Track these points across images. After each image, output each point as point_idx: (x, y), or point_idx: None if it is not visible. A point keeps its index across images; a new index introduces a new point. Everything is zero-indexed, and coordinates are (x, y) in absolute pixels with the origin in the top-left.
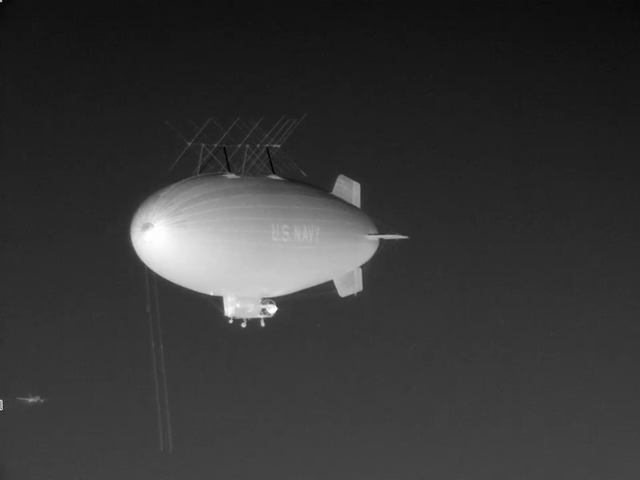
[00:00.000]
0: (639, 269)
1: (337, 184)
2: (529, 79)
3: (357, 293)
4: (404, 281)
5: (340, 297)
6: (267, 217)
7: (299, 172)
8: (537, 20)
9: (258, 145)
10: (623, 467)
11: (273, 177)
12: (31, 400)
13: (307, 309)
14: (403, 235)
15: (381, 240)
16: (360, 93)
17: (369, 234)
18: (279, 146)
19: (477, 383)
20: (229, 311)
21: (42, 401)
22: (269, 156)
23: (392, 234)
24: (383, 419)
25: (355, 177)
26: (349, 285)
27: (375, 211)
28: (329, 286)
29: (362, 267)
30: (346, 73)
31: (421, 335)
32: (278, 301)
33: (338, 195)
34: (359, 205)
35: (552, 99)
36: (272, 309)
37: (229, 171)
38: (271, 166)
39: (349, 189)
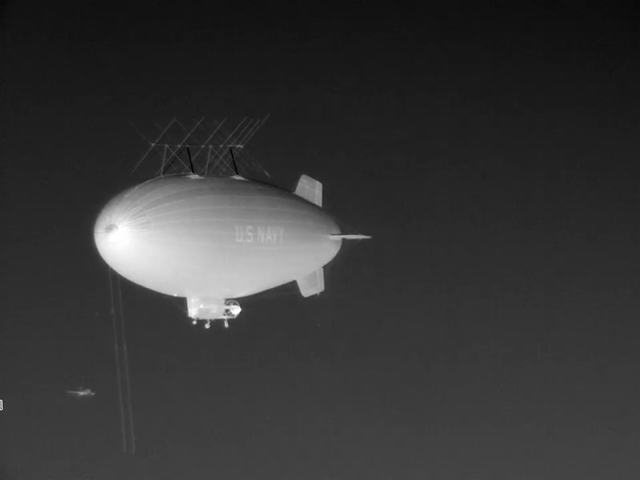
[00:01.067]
0: (630, 269)
1: (299, 184)
2: (495, 75)
3: (320, 293)
4: (366, 280)
5: (303, 297)
6: (231, 218)
7: (262, 172)
8: (531, 20)
9: (221, 146)
10: (623, 467)
11: (237, 177)
12: (81, 393)
13: (270, 309)
14: (365, 234)
15: (344, 240)
16: (322, 93)
17: (332, 234)
18: (242, 146)
19: (437, 383)
20: (193, 312)
21: (92, 394)
22: (232, 156)
23: (354, 234)
24: (346, 418)
25: (317, 177)
26: (312, 285)
27: (337, 211)
28: (291, 286)
29: (324, 267)
30: (308, 74)
31: (383, 335)
32: (241, 301)
33: (300, 195)
34: (320, 205)
35: (519, 92)
36: (235, 310)
37: (193, 171)
38: (235, 166)
39: (311, 189)
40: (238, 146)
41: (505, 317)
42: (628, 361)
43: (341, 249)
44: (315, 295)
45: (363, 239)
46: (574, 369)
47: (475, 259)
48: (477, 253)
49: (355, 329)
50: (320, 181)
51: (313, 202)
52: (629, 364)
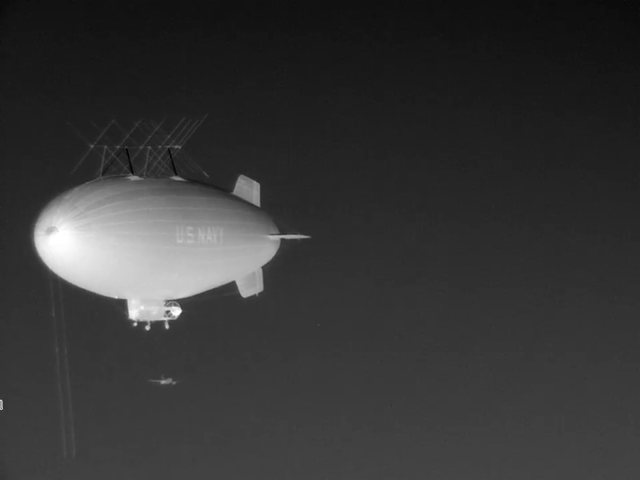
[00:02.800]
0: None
1: (237, 184)
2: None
3: (259, 294)
4: (305, 280)
5: (242, 297)
6: (172, 219)
7: (200, 172)
8: (531, 21)
9: (160, 147)
10: (623, 467)
11: (176, 178)
12: (163, 382)
13: (210, 310)
14: (304, 234)
15: (282, 240)
16: (260, 93)
17: (271, 234)
18: (180, 147)
19: (374, 381)
20: (133, 313)
21: (174, 382)
22: (171, 157)
23: (293, 234)
24: (286, 418)
25: (254, 177)
26: (251, 285)
27: (275, 211)
28: (231, 287)
29: (263, 267)
30: (245, 73)
31: (322, 334)
32: (181, 302)
33: (239, 195)
34: (259, 205)
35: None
36: (176, 311)
37: (132, 172)
38: (173, 167)
39: (249, 189)
40: (176, 147)
41: (443, 316)
42: (629, 361)
43: (279, 249)
44: (254, 296)
45: (302, 239)
46: (562, 368)
47: (415, 257)
48: (417, 251)
49: (294, 329)
50: (257, 181)
51: (251, 202)
52: (630, 364)
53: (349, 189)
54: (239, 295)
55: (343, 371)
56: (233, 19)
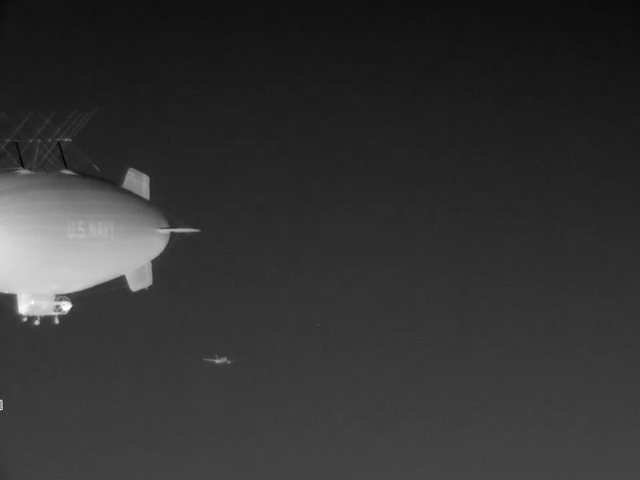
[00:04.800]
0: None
1: (127, 177)
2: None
3: (148, 287)
4: (195, 273)
5: (131, 291)
6: (63, 213)
7: (90, 165)
8: (532, 21)
9: (50, 140)
10: (623, 467)
11: (66, 171)
12: (217, 361)
13: (99, 304)
14: (193, 228)
15: (172, 233)
16: (148, 87)
17: (161, 228)
18: (70, 140)
19: (279, 380)
20: (23, 308)
21: (229, 362)
22: (61, 150)
23: (183, 227)
24: (175, 408)
25: (144, 170)
26: (140, 279)
27: (164, 204)
28: (120, 281)
29: (153, 260)
30: (135, 67)
31: (211, 328)
32: (71, 297)
33: (128, 188)
34: (148, 198)
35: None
36: (66, 306)
37: (23, 166)
38: (63, 160)
39: (139, 182)
40: (66, 139)
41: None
42: (626, 361)
43: (169, 242)
44: (144, 289)
45: (192, 232)
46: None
47: (324, 246)
48: (326, 239)
49: (183, 323)
50: (147, 174)
51: (141, 195)
52: (627, 363)
53: (238, 183)
54: (129, 289)
55: (234, 366)
56: (121, 10)
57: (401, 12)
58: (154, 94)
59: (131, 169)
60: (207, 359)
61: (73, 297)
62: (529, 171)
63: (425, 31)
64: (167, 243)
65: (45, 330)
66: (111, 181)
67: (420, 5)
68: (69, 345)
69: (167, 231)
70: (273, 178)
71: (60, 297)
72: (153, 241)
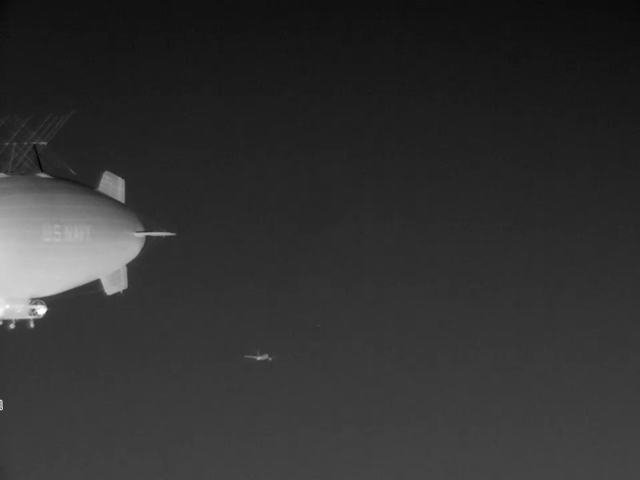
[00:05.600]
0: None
1: (102, 180)
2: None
3: (123, 291)
4: (170, 277)
5: (106, 294)
6: (38, 217)
7: (66, 169)
8: (532, 21)
9: (25, 143)
10: (623, 467)
11: (42, 175)
12: (259, 358)
13: (74, 308)
14: (169, 231)
15: (147, 237)
16: (125, 91)
17: (137, 231)
18: (45, 143)
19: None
20: None
21: (270, 359)
22: (37, 153)
23: (158, 231)
24: (155, 414)
25: (120, 173)
26: (115, 283)
27: (140, 207)
28: (95, 284)
29: (128, 264)
30: (110, 71)
31: (185, 330)
32: (46, 300)
33: (104, 192)
34: (124, 201)
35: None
36: (41, 310)
37: None
38: (39, 164)
39: (114, 185)
40: (42, 143)
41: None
42: (625, 361)
43: (144, 246)
44: (119, 293)
45: (167, 236)
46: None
47: (283, 252)
48: (298, 244)
49: (158, 327)
50: (122, 177)
51: (116, 198)
52: (625, 364)
53: (214, 186)
54: (104, 293)
55: (212, 368)
56: (97, 15)
57: (401, 13)
58: (129, 98)
59: (106, 172)
60: (249, 356)
61: (49, 301)
62: (529, 173)
63: (425, 33)
64: (142, 246)
65: (20, 333)
66: (86, 184)
67: (421, 6)
68: (44, 349)
69: (143, 235)
70: (249, 182)
71: (35, 301)
72: (129, 244)
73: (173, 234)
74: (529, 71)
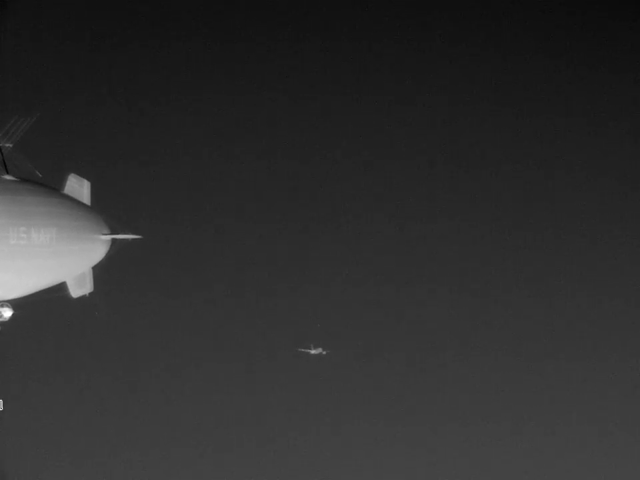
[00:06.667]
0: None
1: (68, 183)
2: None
3: (89, 294)
4: (136, 280)
5: (72, 297)
6: (4, 219)
7: (32, 171)
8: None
9: None
10: (623, 467)
11: (7, 177)
12: (313, 352)
13: (40, 310)
14: (135, 234)
15: (113, 240)
16: (91, 93)
17: (103, 234)
18: (11, 145)
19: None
20: None
21: (324, 352)
22: (2, 156)
23: (124, 233)
24: (122, 415)
25: (85, 176)
26: (81, 285)
27: (106, 210)
28: (61, 287)
29: (94, 267)
30: (76, 72)
31: (154, 333)
32: (12, 303)
33: (70, 194)
34: (89, 204)
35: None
36: (7, 313)
37: None
38: (5, 166)
39: (80, 188)
40: (7, 145)
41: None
42: (624, 361)
43: (110, 249)
44: (85, 296)
45: (133, 239)
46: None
47: (250, 255)
48: (263, 246)
49: (124, 329)
50: (88, 179)
51: (82, 201)
52: (625, 364)
53: (180, 189)
54: (69, 295)
55: (182, 370)
56: (60, 15)
57: (401, 14)
58: (94, 100)
59: (72, 174)
60: (302, 349)
61: (14, 303)
62: (530, 173)
63: (425, 33)
64: (108, 249)
65: None
66: (52, 186)
67: (420, 6)
68: (9, 352)
69: (109, 237)
70: (215, 183)
71: (1, 304)
72: (95, 247)
73: (139, 237)
74: (529, 70)
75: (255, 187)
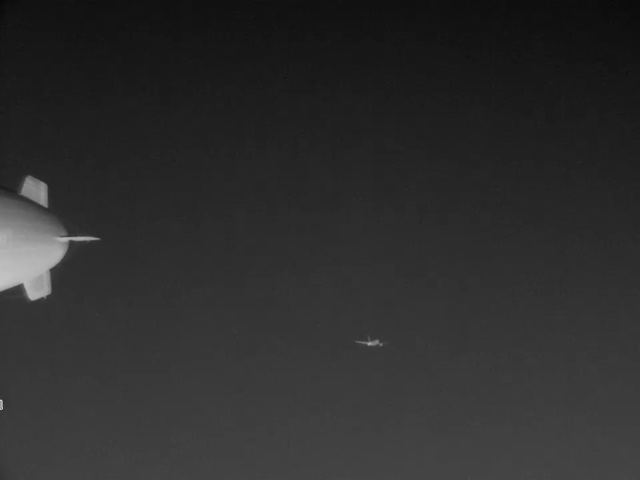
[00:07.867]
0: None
1: (25, 184)
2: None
3: (47, 296)
4: (94, 282)
5: (29, 300)
6: None
7: None
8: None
9: None
10: (623, 467)
11: None
12: (369, 344)
13: None
14: (93, 236)
15: (71, 242)
16: (46, 93)
17: (60, 236)
18: None
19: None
20: None
21: (381, 344)
22: None
23: (82, 235)
24: (91, 419)
25: (42, 178)
26: (39, 288)
27: (63, 212)
28: (17, 289)
29: (51, 269)
30: (31, 73)
31: (114, 337)
32: None
33: (26, 196)
34: (46, 206)
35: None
36: None
37: None
38: None
39: (36, 190)
40: None
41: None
42: (624, 362)
43: (67, 251)
44: (42, 298)
45: (91, 241)
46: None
47: (211, 257)
48: (237, 242)
49: (81, 332)
50: (45, 181)
51: (39, 203)
52: (624, 364)
53: (138, 190)
54: (26, 298)
55: (146, 375)
56: (18, 12)
57: (402, 14)
58: (50, 100)
59: (28, 176)
60: (360, 342)
61: None
62: (529, 173)
63: (424, 32)
64: (65, 251)
65: None
66: (8, 188)
67: (421, 6)
68: None
69: (66, 240)
70: (173, 184)
71: None
72: (52, 249)
73: (97, 239)
74: (528, 70)
75: (217, 186)
